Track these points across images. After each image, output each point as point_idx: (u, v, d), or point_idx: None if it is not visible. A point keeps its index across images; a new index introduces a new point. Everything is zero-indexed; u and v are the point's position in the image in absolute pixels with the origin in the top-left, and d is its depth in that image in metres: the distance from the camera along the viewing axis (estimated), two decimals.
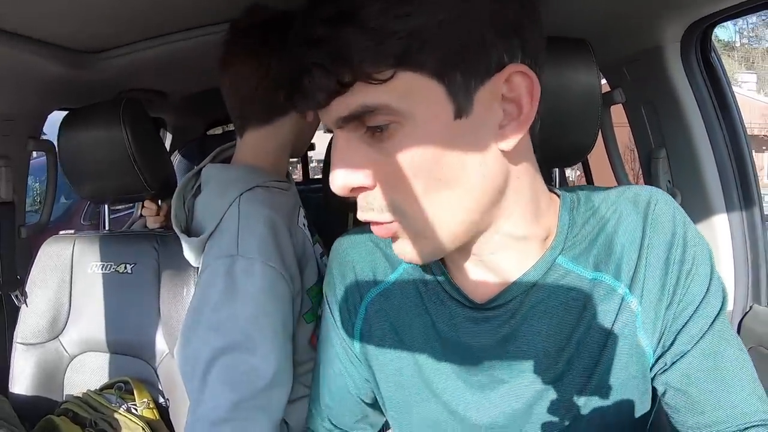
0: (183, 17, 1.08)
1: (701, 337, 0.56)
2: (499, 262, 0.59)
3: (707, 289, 0.57)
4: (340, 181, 0.51)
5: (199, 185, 0.97)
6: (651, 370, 0.59)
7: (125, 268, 1.30)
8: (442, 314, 0.63)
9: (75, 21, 0.98)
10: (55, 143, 1.28)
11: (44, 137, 1.44)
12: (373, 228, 0.55)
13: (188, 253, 0.92)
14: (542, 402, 0.59)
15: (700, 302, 0.57)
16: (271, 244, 0.84)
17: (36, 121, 1.38)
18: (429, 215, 0.52)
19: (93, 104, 1.24)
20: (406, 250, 0.55)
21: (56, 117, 1.33)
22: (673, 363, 0.57)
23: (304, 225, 1.00)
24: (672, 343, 0.57)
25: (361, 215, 0.54)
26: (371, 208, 0.53)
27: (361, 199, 0.54)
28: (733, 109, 1.11)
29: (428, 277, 0.65)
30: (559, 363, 0.58)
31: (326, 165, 1.69)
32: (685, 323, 0.56)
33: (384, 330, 0.67)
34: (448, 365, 0.63)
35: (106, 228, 1.46)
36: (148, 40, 1.15)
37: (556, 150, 0.96)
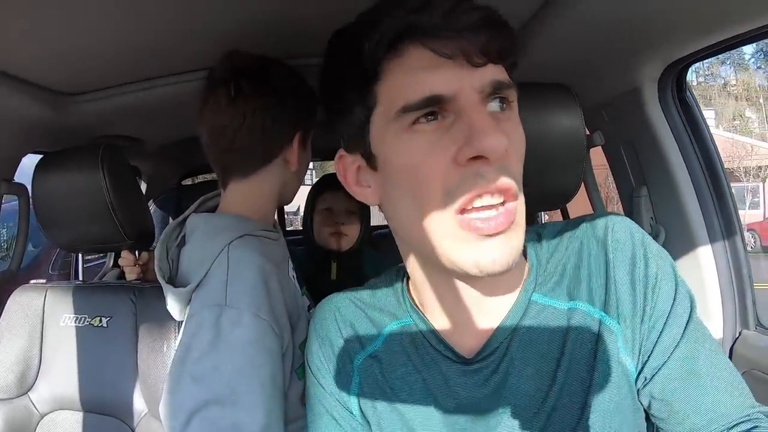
0: (163, 63, 1.07)
1: (676, 347, 0.58)
2: (482, 304, 0.61)
3: (674, 299, 0.59)
4: (502, 141, 0.50)
5: (184, 235, 0.94)
6: (635, 385, 0.60)
7: (100, 321, 1.24)
8: (432, 372, 0.63)
9: (53, 61, 0.97)
10: (28, 187, 1.23)
11: None
12: (491, 218, 0.52)
13: (172, 306, 0.87)
14: None
15: (669, 313, 0.59)
16: (261, 294, 0.81)
17: (8, 163, 1.33)
18: (522, 201, 0.55)
19: (71, 148, 1.21)
20: (511, 244, 0.53)
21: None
22: (653, 376, 0.59)
23: (293, 276, 0.97)
24: (649, 357, 0.59)
25: (493, 177, 0.51)
26: (507, 171, 0.52)
27: (498, 165, 0.52)
28: (710, 145, 1.15)
29: (415, 335, 0.65)
30: (550, 398, 0.59)
31: (307, 215, 1.67)
32: (659, 336, 0.58)
33: (376, 394, 0.65)
34: (442, 424, 0.62)
35: (80, 278, 1.40)
36: (128, 84, 1.14)
37: (541, 194, 0.97)
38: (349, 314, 0.70)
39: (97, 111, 1.20)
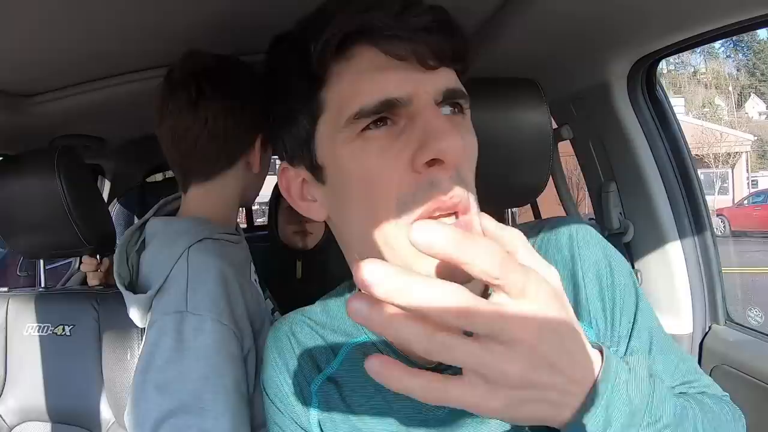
0: (122, 60, 1.03)
1: (650, 345, 0.60)
2: None
3: (636, 297, 0.61)
4: (459, 141, 0.48)
5: (144, 240, 0.91)
6: None
7: (63, 329, 1.20)
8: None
9: (7, 62, 0.93)
10: None
11: None
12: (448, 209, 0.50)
13: (133, 312, 0.85)
14: None
15: (636, 312, 0.60)
16: (222, 299, 0.80)
17: None
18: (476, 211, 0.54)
19: (26, 152, 1.16)
20: None
21: None
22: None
23: (255, 280, 0.95)
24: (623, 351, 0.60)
25: (448, 188, 0.49)
26: (461, 181, 0.50)
27: (453, 172, 0.50)
28: (679, 140, 1.15)
29: (372, 353, 0.62)
30: None
31: (272, 210, 1.64)
32: (630, 337, 0.59)
33: (336, 417, 0.63)
34: None
35: (42, 285, 1.36)
36: (87, 83, 1.10)
37: (509, 190, 0.96)
38: (304, 337, 0.67)
39: (56, 111, 1.16)
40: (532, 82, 0.89)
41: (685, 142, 1.16)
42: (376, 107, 0.49)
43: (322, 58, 0.50)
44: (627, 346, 0.59)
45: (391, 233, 0.51)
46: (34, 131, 1.24)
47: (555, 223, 0.64)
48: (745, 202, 14.78)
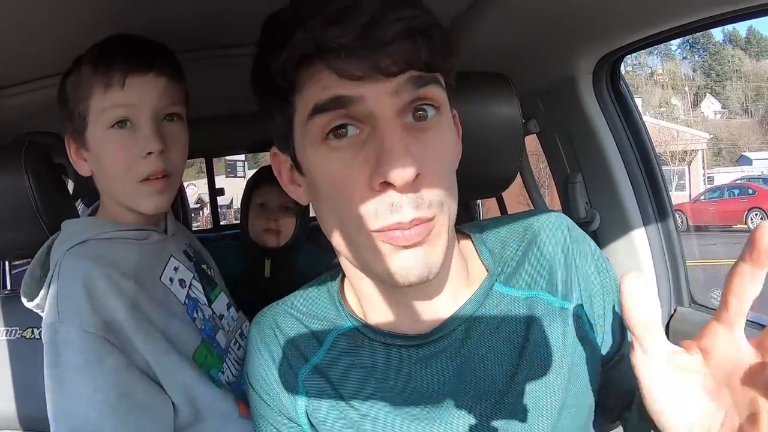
0: None
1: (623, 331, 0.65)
2: (420, 305, 0.61)
3: (614, 289, 0.65)
4: (405, 166, 0.47)
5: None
6: (602, 365, 0.64)
7: (32, 333, 1.15)
8: (387, 368, 0.62)
9: None
10: None
11: None
12: (412, 229, 0.50)
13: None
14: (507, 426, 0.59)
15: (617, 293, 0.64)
16: (83, 304, 0.74)
17: None
18: (451, 212, 0.55)
19: None
20: (429, 254, 0.52)
21: None
22: (619, 354, 0.65)
23: (174, 280, 0.89)
24: (615, 340, 0.64)
25: (409, 213, 0.50)
26: (422, 201, 0.50)
27: (412, 193, 0.50)
28: (642, 132, 1.20)
29: (359, 338, 0.64)
30: (515, 384, 0.59)
31: (243, 210, 1.63)
32: (608, 317, 0.64)
33: (325, 405, 0.63)
34: (399, 417, 0.60)
35: (7, 287, 1.32)
36: (53, 77, 1.07)
37: (481, 181, 0.98)
38: (288, 327, 0.67)
39: (17, 107, 1.13)
40: (503, 76, 0.92)
41: (648, 135, 1.21)
42: (327, 102, 0.49)
43: (285, 71, 0.50)
44: (623, 340, 0.65)
45: (355, 236, 0.53)
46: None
47: (543, 211, 0.69)
48: (702, 197, 15.35)
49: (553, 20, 0.92)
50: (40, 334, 1.12)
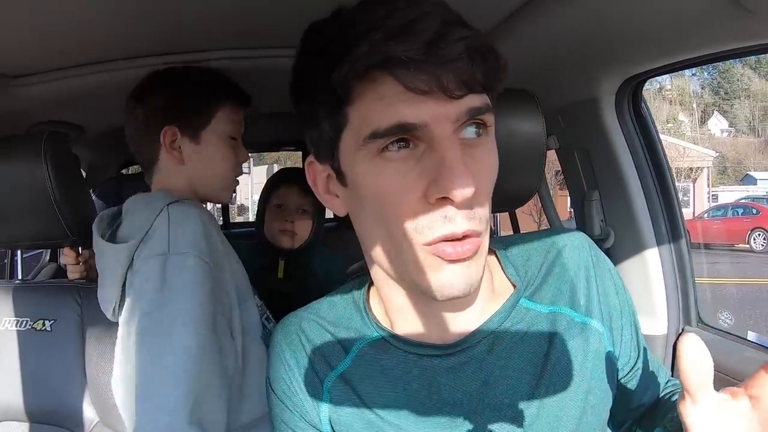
0: (109, 47, 1.02)
1: (638, 342, 0.69)
2: (451, 318, 0.62)
3: (630, 305, 0.70)
4: (467, 184, 0.49)
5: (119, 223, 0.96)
6: (619, 378, 0.68)
7: (43, 324, 1.16)
8: (413, 377, 0.62)
9: None
10: None
11: None
12: (457, 245, 0.52)
13: (110, 274, 0.90)
14: None
15: (633, 311, 0.69)
16: (202, 240, 0.86)
17: None
18: (487, 234, 0.56)
19: (11, 136, 1.11)
20: (471, 271, 0.54)
21: None
22: (631, 369, 0.68)
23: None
24: (631, 356, 0.68)
25: (462, 225, 0.51)
26: (474, 216, 0.52)
27: (466, 209, 0.52)
28: (660, 155, 1.21)
29: (387, 347, 0.64)
30: (537, 395, 0.60)
31: (260, 210, 1.63)
32: (626, 333, 0.68)
33: (350, 413, 0.63)
34: (430, 428, 0.61)
35: (19, 277, 1.31)
36: (72, 68, 1.08)
37: (504, 195, 0.98)
38: (314, 334, 0.68)
39: (38, 95, 1.13)
40: (530, 93, 0.93)
41: (666, 157, 1.22)
42: (390, 129, 0.50)
43: (345, 82, 0.50)
44: (638, 356, 0.69)
45: (404, 249, 0.54)
46: (12, 115, 1.20)
47: (565, 230, 0.72)
48: (705, 215, 15.31)
49: (581, 43, 0.93)
50: (52, 326, 1.14)
